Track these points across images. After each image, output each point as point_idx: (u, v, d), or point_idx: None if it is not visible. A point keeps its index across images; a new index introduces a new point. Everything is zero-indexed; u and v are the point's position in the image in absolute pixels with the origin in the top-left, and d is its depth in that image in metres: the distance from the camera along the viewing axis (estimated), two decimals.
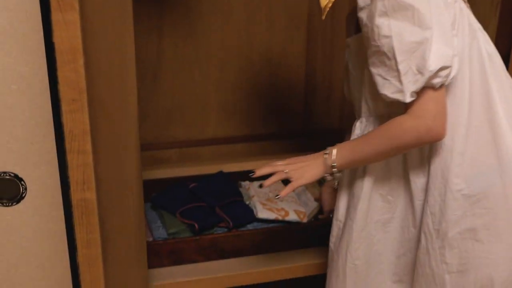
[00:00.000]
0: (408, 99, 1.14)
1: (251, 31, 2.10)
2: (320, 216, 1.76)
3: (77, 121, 0.80)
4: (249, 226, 1.73)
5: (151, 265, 1.60)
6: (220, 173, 1.96)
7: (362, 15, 1.19)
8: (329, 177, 1.33)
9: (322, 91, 2.25)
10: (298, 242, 1.71)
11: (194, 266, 1.63)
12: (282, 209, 1.76)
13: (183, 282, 1.59)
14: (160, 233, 1.68)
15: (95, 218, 0.85)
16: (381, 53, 1.15)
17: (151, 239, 1.66)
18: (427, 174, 1.28)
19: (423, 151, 1.28)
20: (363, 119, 1.37)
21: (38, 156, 0.88)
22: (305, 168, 1.32)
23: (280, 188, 1.91)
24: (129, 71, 1.20)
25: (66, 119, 0.80)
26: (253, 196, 1.82)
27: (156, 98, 2.12)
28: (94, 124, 0.85)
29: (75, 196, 0.83)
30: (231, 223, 1.69)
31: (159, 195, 1.81)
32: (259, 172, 1.34)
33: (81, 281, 0.88)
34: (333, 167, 1.29)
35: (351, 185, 1.40)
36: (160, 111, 2.14)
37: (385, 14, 1.11)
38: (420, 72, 1.11)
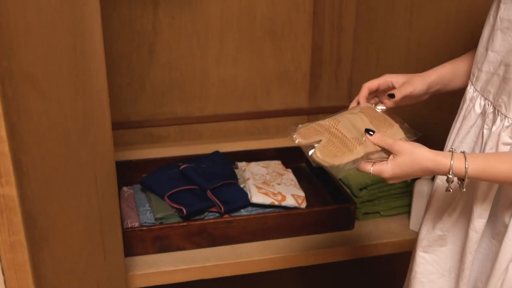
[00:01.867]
0: None
1: None
2: None
3: None
4: (243, 211, 1.57)
5: (134, 253, 1.46)
6: (216, 153, 1.80)
7: None
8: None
9: (329, 65, 2.07)
10: (295, 229, 1.54)
11: (181, 254, 1.49)
12: (279, 193, 1.59)
13: (168, 271, 1.44)
14: (147, 217, 1.53)
15: (17, 217, 0.70)
16: None
17: (137, 224, 1.52)
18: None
19: None
20: (497, 113, 1.01)
21: None
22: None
23: (279, 170, 1.75)
24: (93, 38, 1.04)
25: None
26: (248, 179, 1.66)
27: (153, 73, 1.97)
28: (16, 104, 0.69)
29: None
30: (222, 208, 1.53)
31: (149, 177, 1.66)
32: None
33: None
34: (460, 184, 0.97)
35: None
36: (157, 86, 1.99)
37: None
38: None
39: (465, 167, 0.93)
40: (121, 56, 1.90)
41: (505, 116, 0.99)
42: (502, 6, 1.01)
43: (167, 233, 1.48)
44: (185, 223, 1.48)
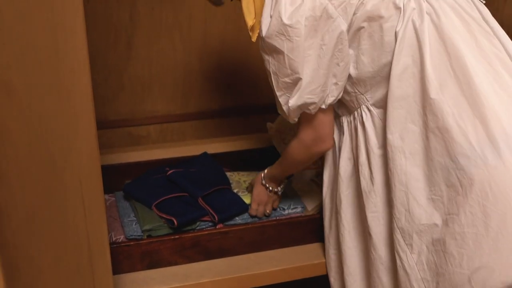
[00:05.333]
0: (292, 121, 1.20)
1: None
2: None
3: None
4: (238, 219, 1.40)
5: (121, 270, 1.28)
6: (204, 155, 1.62)
7: None
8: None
9: None
10: (296, 238, 1.39)
11: (173, 270, 1.31)
12: None
13: None
14: (133, 229, 1.35)
15: None
16: None
17: (122, 237, 1.33)
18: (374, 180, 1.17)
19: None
20: None
21: None
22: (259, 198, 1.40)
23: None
24: (76, 33, 0.85)
25: None
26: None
27: (132, 68, 1.77)
28: None
29: None
30: (216, 217, 1.36)
31: (133, 183, 1.47)
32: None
33: None
34: (267, 187, 1.38)
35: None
36: (136, 83, 1.79)
37: (265, 52, 1.17)
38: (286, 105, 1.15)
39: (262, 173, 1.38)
40: (96, 50, 1.69)
41: None
42: None
43: (157, 248, 1.30)
44: (176, 236, 1.31)
